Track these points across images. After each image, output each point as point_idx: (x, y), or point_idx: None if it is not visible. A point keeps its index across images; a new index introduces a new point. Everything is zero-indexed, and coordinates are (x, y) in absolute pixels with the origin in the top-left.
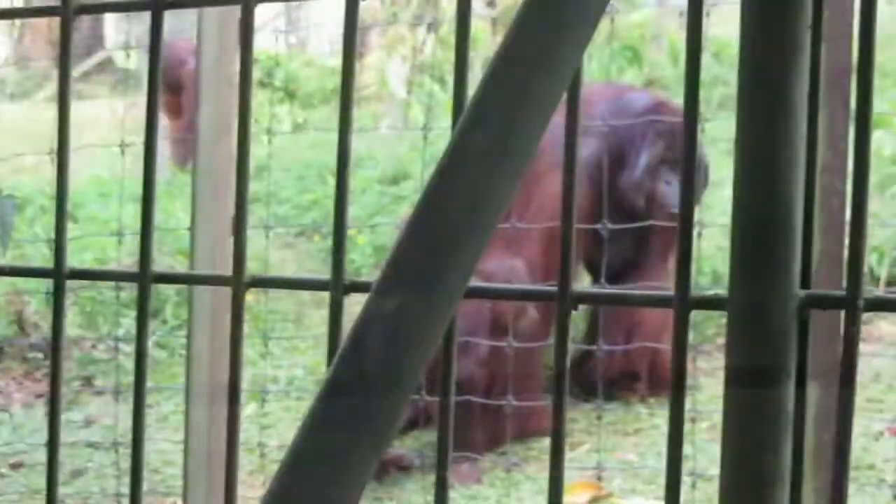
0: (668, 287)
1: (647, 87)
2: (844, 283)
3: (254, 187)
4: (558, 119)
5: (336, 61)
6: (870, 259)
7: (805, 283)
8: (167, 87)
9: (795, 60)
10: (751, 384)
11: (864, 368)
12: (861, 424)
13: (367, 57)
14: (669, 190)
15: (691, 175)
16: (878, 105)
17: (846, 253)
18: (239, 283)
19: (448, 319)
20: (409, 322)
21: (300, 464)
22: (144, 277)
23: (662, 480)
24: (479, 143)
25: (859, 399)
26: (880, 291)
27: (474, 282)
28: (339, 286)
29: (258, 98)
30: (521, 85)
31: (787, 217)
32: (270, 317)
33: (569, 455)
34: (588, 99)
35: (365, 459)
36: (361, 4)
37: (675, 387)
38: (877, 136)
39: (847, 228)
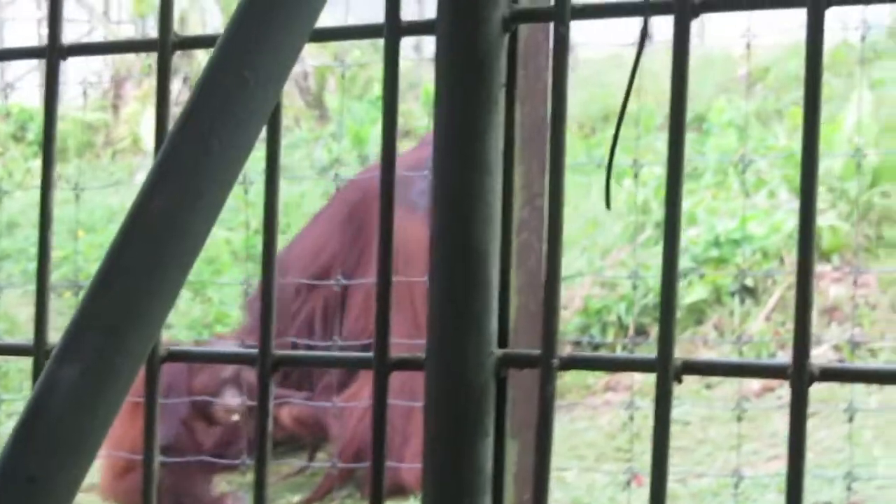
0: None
1: (402, 137)
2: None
3: (5, 244)
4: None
5: (92, 115)
6: (618, 308)
7: (503, 341)
8: None
9: (490, 118)
10: (449, 443)
11: (613, 418)
12: (609, 473)
13: (123, 109)
14: None
15: (388, 238)
16: (625, 155)
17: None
18: None
19: (131, 384)
20: (89, 388)
21: None
22: None
23: None
24: (161, 205)
25: (607, 448)
26: (628, 341)
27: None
28: (41, 351)
29: (12, 152)
30: (205, 142)
31: (483, 275)
32: (18, 375)
33: None
34: (426, 145)
35: None
36: (117, 57)
37: (375, 448)
38: (626, 185)
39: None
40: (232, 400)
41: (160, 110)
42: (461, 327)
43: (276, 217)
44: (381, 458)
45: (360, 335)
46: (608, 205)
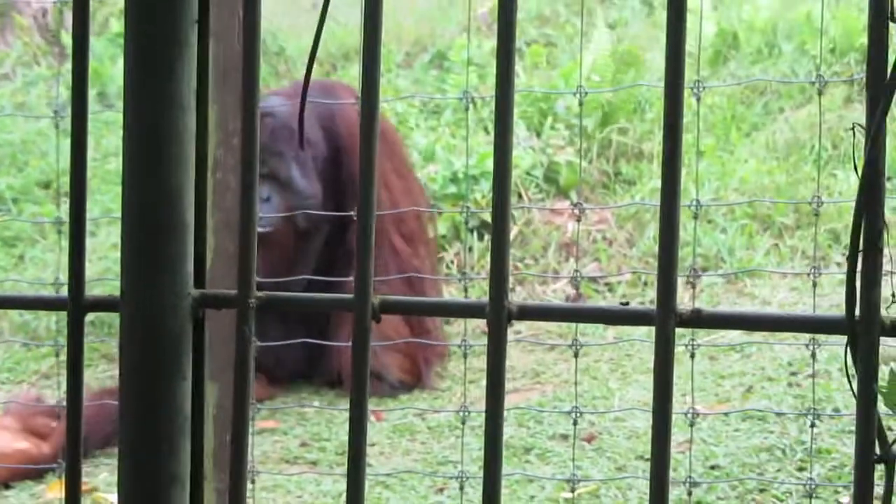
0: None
1: None
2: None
3: None
4: None
5: None
6: None
7: (200, 281)
8: None
9: (181, 54)
10: (146, 386)
11: None
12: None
13: None
14: (260, 206)
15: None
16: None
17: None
18: None
19: None
20: None
21: None
22: None
23: None
24: None
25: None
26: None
27: None
28: None
29: None
30: None
31: (178, 215)
32: None
33: None
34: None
35: None
36: None
37: (70, 389)
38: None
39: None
40: None
41: None
42: (156, 268)
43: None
44: (79, 398)
45: None
46: (301, 145)
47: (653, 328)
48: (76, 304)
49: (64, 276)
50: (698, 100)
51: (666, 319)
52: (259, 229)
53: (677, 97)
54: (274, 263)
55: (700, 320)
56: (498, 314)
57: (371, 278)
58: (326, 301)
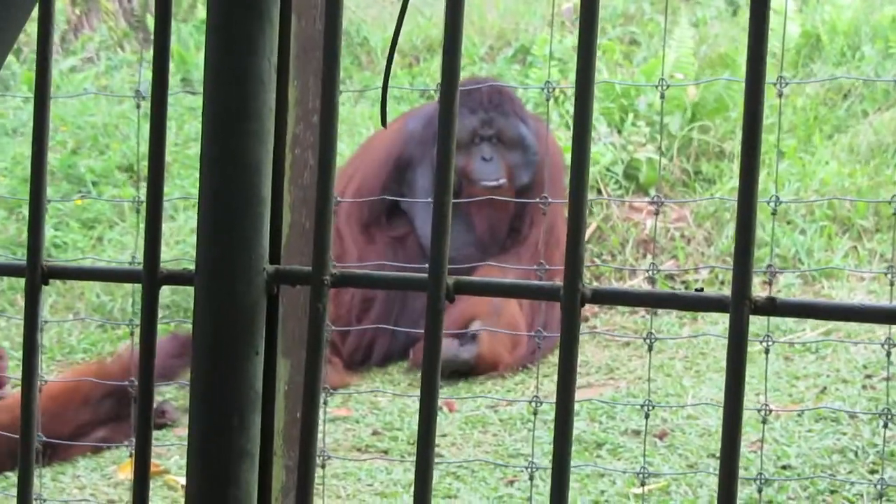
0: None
1: None
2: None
3: None
4: None
5: None
6: None
7: (275, 258)
8: None
9: (263, 29)
10: (219, 360)
11: None
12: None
13: None
14: (483, 165)
15: (160, 153)
16: None
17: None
18: None
19: None
20: None
21: None
22: None
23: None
24: None
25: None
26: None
27: None
28: None
29: None
30: None
31: (255, 191)
32: None
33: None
34: None
35: None
36: None
37: (142, 362)
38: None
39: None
40: None
41: None
42: (231, 243)
43: (46, 130)
44: (150, 376)
45: None
46: (384, 123)
47: (728, 324)
48: (151, 277)
49: (141, 258)
50: (780, 95)
51: (740, 306)
52: (489, 183)
53: (759, 79)
54: (495, 223)
55: (774, 308)
56: (571, 297)
57: (446, 259)
58: (401, 280)
